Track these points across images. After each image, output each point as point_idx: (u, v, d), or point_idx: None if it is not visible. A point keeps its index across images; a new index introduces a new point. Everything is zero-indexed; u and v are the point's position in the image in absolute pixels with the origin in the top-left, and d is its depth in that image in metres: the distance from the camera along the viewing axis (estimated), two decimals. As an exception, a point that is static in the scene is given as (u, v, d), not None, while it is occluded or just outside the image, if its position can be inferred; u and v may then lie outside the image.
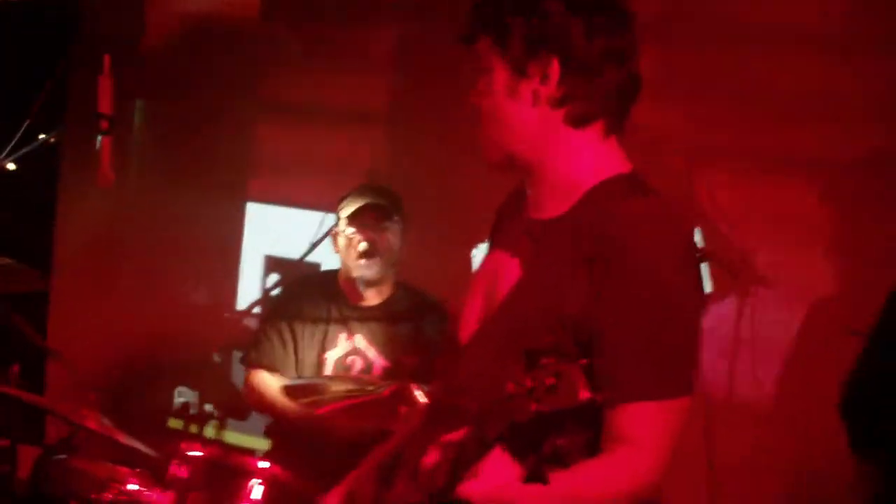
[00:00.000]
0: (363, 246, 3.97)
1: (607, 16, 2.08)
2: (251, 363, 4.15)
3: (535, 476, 1.69)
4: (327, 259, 4.43)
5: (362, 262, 3.99)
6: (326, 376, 4.01)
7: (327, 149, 5.02)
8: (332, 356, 4.06)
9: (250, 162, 5.20)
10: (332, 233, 4.06)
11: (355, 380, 3.89)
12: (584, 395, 1.65)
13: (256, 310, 4.38)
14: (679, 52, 4.18)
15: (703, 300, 2.11)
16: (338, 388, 3.62)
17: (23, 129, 3.80)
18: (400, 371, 3.82)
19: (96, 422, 3.60)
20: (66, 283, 5.34)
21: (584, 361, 1.67)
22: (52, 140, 4.27)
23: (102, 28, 5.24)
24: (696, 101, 4.24)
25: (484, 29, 2.12)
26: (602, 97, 2.09)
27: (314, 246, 4.16)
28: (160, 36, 5.30)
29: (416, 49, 4.85)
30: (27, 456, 4.10)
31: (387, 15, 4.92)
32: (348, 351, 4.06)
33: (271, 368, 4.08)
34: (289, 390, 3.80)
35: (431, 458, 1.90)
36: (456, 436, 1.86)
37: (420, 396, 3.20)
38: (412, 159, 4.74)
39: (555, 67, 2.06)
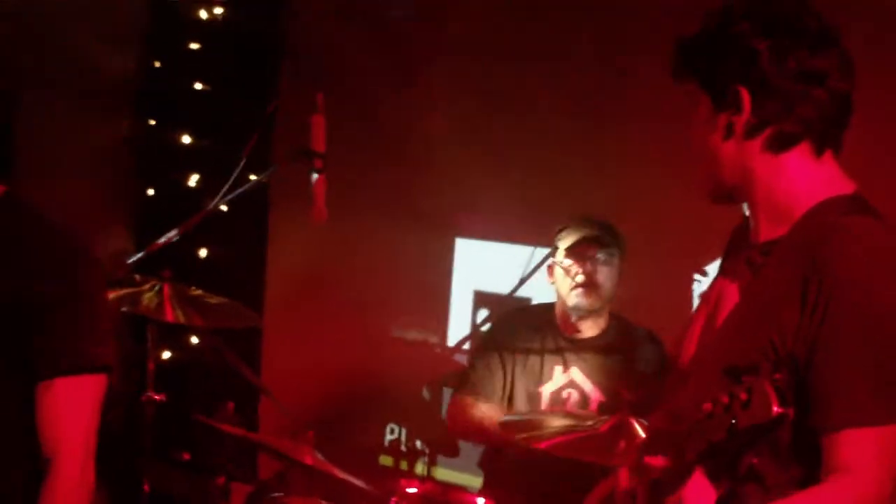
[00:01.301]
0: (580, 278, 3.99)
1: (797, 38, 2.07)
2: (459, 390, 4.19)
3: (729, 499, 1.70)
4: (537, 294, 4.44)
5: (579, 292, 3.99)
6: (543, 411, 4.01)
7: (535, 182, 5.03)
8: (547, 389, 4.07)
9: (458, 197, 5.25)
10: (548, 263, 4.08)
11: (572, 414, 3.88)
12: (777, 409, 1.67)
13: (466, 345, 4.41)
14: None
15: None
16: (556, 423, 3.61)
17: (236, 172, 3.93)
18: (618, 404, 3.79)
19: (312, 458, 3.67)
20: (277, 320, 5.48)
21: (778, 376, 1.68)
22: (264, 180, 4.42)
23: (310, 67, 5.40)
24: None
25: (685, 65, 2.17)
26: (801, 119, 2.07)
27: (524, 280, 4.18)
28: (367, 72, 5.41)
29: (622, 83, 4.83)
30: (241, 493, 4.23)
31: (590, 52, 4.92)
32: (564, 384, 4.06)
33: (480, 396, 4.10)
34: (506, 426, 3.82)
35: (629, 481, 1.92)
36: (657, 460, 1.87)
37: (639, 430, 3.16)
38: (620, 191, 4.71)
39: (745, 96, 2.07)
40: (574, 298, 4.01)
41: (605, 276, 4.01)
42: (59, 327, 2.36)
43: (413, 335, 5.33)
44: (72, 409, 2.40)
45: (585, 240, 4.00)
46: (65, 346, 2.37)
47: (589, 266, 3.99)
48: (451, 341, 5.26)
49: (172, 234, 3.85)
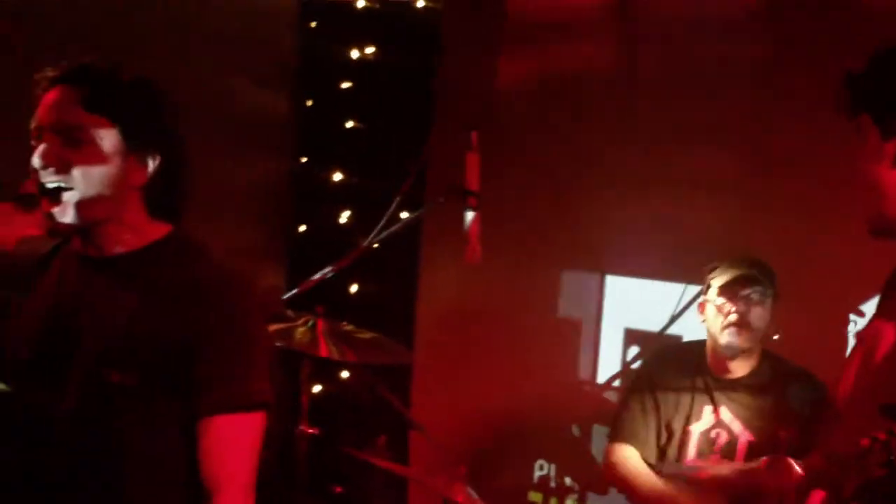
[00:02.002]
0: (733, 317, 3.97)
1: None
2: (614, 437, 4.18)
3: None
4: (689, 331, 4.44)
5: (731, 331, 3.97)
6: (701, 464, 4.00)
7: (684, 219, 5.03)
8: (696, 429, 4.04)
9: (609, 234, 5.26)
10: (699, 301, 4.09)
11: (726, 460, 3.89)
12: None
13: (616, 383, 4.42)
14: None
15: None
16: (712, 471, 3.63)
17: (390, 211, 4.01)
18: (772, 445, 3.78)
19: (463, 494, 3.73)
20: (427, 356, 5.53)
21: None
22: (417, 219, 4.51)
23: (463, 105, 5.48)
24: None
25: (855, 98, 2.19)
26: None
27: (675, 318, 4.19)
28: (519, 109, 5.47)
29: (767, 117, 4.81)
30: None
31: (735, 86, 4.91)
32: (713, 424, 4.03)
33: (635, 442, 4.10)
34: (664, 477, 3.84)
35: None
36: (815, 498, 1.87)
37: (797, 469, 3.14)
38: (774, 229, 4.67)
39: None
40: (726, 337, 3.99)
41: (757, 315, 3.99)
42: (221, 364, 2.41)
43: (562, 372, 5.33)
44: (233, 446, 2.43)
45: (739, 278, 3.98)
46: (226, 384, 2.41)
47: (742, 305, 3.97)
48: (601, 378, 5.26)
49: (327, 270, 3.94)
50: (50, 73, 2.49)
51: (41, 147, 2.43)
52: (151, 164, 2.48)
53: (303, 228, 6.20)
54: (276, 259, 6.06)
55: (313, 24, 6.23)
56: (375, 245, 4.35)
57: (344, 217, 5.97)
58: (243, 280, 2.53)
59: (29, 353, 2.50)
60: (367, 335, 4.27)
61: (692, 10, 5.01)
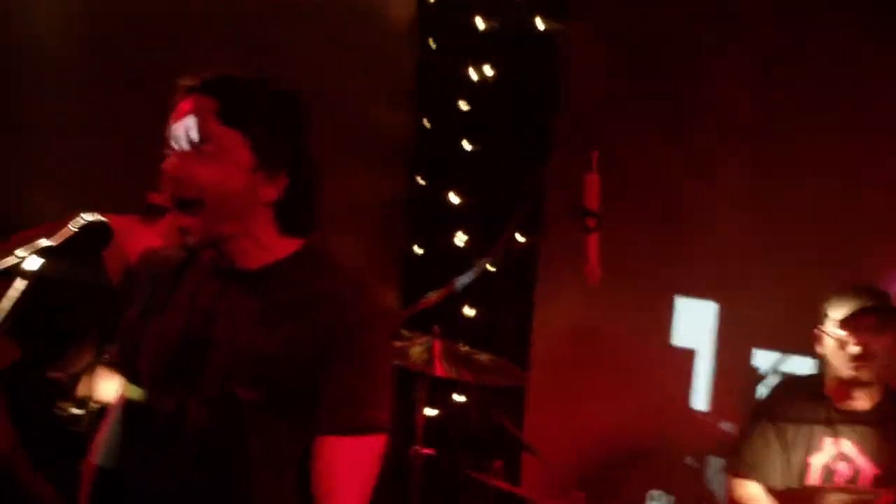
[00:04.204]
0: (856, 349, 3.97)
1: None
2: (735, 470, 4.19)
3: None
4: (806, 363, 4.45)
5: (854, 365, 3.98)
6: (818, 486, 4.01)
7: (803, 247, 5.03)
8: (817, 461, 4.05)
9: (727, 262, 5.25)
10: (817, 331, 4.09)
11: (848, 489, 3.88)
12: None
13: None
14: None
15: None
16: (832, 497, 3.63)
17: (507, 233, 4.04)
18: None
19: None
20: (542, 379, 5.54)
21: None
22: (534, 240, 4.56)
23: (582, 125, 5.51)
24: None
25: None
26: None
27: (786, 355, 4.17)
28: (639, 129, 5.51)
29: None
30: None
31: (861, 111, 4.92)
32: (834, 456, 4.03)
33: (758, 476, 4.10)
34: (780, 496, 3.84)
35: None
36: None
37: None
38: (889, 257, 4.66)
39: None
40: (849, 371, 3.99)
41: (881, 347, 3.98)
42: (347, 384, 2.40)
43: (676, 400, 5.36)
44: (349, 468, 2.42)
45: (862, 311, 3.98)
46: (351, 406, 2.41)
47: (865, 337, 3.97)
48: (716, 409, 5.26)
49: (445, 289, 3.99)
50: (188, 81, 2.48)
51: (172, 156, 2.44)
52: (283, 181, 2.47)
53: (418, 250, 6.29)
54: (390, 280, 6.11)
55: (433, 44, 6.33)
56: (491, 267, 4.39)
57: (460, 239, 6.05)
58: (376, 297, 2.51)
59: (162, 364, 2.53)
60: (483, 356, 4.34)
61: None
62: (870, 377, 3.99)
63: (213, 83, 2.46)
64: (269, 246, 2.51)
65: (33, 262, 2.27)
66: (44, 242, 2.31)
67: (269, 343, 2.42)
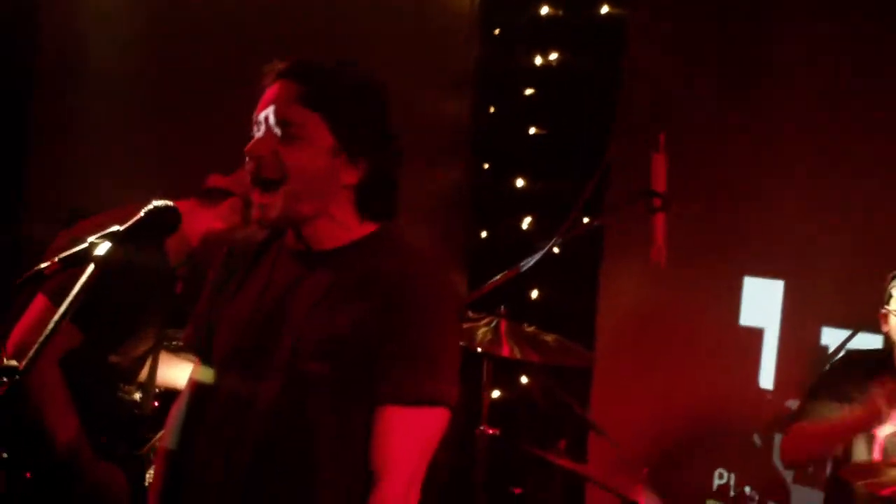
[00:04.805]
0: None
1: None
2: (795, 420, 4.20)
3: None
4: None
5: None
6: (885, 461, 4.01)
7: (865, 224, 5.02)
8: (882, 432, 4.03)
9: (793, 242, 5.25)
10: (882, 312, 4.10)
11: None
12: None
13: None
14: None
15: None
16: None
17: (573, 216, 4.06)
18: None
19: (644, 496, 3.81)
20: (607, 360, 5.58)
21: None
22: (597, 224, 4.56)
23: (646, 108, 5.54)
24: None
25: None
26: None
27: (856, 331, 4.16)
28: (704, 110, 5.51)
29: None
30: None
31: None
32: (900, 428, 4.05)
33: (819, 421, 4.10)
34: (846, 470, 3.86)
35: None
36: None
37: None
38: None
39: None
40: None
41: None
42: (412, 355, 2.45)
43: (742, 379, 5.34)
44: (405, 438, 2.46)
45: None
46: (412, 376, 2.45)
47: None
48: (783, 387, 5.27)
49: (511, 271, 4.04)
50: (276, 66, 2.56)
51: (256, 138, 2.53)
52: (363, 165, 2.53)
53: (484, 234, 6.35)
54: (457, 265, 6.19)
55: (497, 31, 6.39)
56: (557, 249, 4.42)
57: (525, 223, 6.10)
58: (444, 276, 2.58)
59: (236, 342, 2.60)
60: (549, 337, 4.38)
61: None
62: None
63: (297, 69, 2.54)
64: (347, 227, 2.57)
65: (104, 248, 2.32)
66: (114, 228, 2.36)
67: (339, 320, 2.48)
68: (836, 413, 4.08)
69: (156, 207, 2.42)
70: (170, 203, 2.43)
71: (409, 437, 2.47)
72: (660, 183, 3.75)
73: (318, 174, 2.51)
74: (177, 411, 2.85)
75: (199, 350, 2.79)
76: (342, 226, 2.57)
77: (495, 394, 5.70)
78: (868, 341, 4.56)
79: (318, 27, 5.54)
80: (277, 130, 2.51)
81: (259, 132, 2.54)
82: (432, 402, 2.48)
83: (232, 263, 2.75)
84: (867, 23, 5.00)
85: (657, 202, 3.75)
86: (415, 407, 2.46)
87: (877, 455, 4.04)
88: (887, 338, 4.14)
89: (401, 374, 2.45)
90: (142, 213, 2.40)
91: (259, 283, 2.65)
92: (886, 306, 4.08)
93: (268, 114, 2.53)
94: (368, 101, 2.57)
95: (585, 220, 4.48)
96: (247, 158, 2.54)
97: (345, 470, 2.49)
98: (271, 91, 2.55)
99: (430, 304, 2.50)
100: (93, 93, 5.46)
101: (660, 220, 3.74)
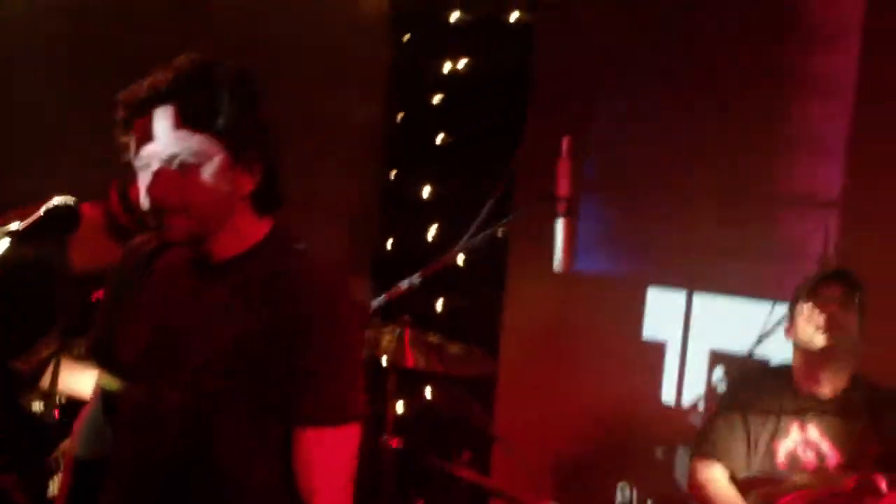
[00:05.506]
0: (822, 317, 4.02)
1: None
2: (699, 453, 4.22)
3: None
4: (776, 354, 4.48)
5: (823, 337, 4.02)
6: (781, 469, 4.05)
7: (775, 234, 5.07)
8: (783, 446, 4.08)
9: (696, 249, 5.28)
10: (787, 326, 4.15)
11: (813, 472, 3.93)
12: None
13: (700, 406, 4.45)
14: None
15: None
16: (796, 479, 3.67)
17: (477, 222, 4.04)
18: (860, 463, 3.82)
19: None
20: (512, 369, 5.57)
21: None
22: (502, 229, 4.56)
23: (555, 114, 5.53)
24: None
25: None
26: None
27: (762, 338, 4.22)
28: (603, 119, 5.54)
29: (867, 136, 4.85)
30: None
31: (832, 97, 4.95)
32: (800, 442, 4.07)
33: (723, 458, 4.13)
34: (743, 482, 3.88)
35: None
36: None
37: (884, 487, 3.19)
38: (866, 243, 4.70)
39: None
40: (818, 340, 4.02)
41: (846, 320, 4.02)
42: (319, 375, 2.40)
43: (646, 393, 5.37)
44: (329, 459, 2.42)
45: (825, 278, 4.05)
46: (324, 396, 2.40)
47: (831, 307, 4.01)
48: (685, 401, 5.30)
49: (414, 279, 4.00)
50: (137, 95, 2.40)
51: (151, 181, 2.39)
52: (257, 168, 2.46)
53: (390, 242, 6.31)
54: (361, 273, 6.12)
55: (405, 38, 6.36)
56: (462, 256, 4.40)
57: (431, 232, 6.08)
58: (346, 286, 2.49)
59: (136, 355, 2.53)
60: (453, 346, 4.37)
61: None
62: (841, 344, 4.01)
63: (168, 89, 2.38)
64: (246, 234, 2.51)
65: (1, 246, 2.25)
66: (13, 226, 2.29)
67: (240, 334, 2.42)
68: (738, 426, 4.11)
69: (55, 206, 2.32)
70: (70, 202, 2.34)
71: (335, 456, 2.44)
72: (563, 187, 3.73)
73: (220, 196, 2.42)
74: (85, 419, 2.79)
75: (101, 361, 2.72)
76: (242, 233, 2.50)
77: (401, 404, 5.67)
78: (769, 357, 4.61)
79: (225, 30, 5.46)
80: (170, 166, 2.38)
81: (147, 172, 2.40)
82: (350, 418, 2.44)
83: (126, 273, 2.66)
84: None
85: (561, 207, 3.73)
86: (337, 426, 2.42)
87: (778, 467, 4.08)
88: (792, 349, 4.19)
89: (318, 394, 2.40)
90: (41, 212, 2.32)
91: (157, 294, 2.57)
92: (793, 317, 4.13)
93: (153, 151, 2.39)
94: (246, 99, 2.44)
95: (490, 227, 4.47)
96: (141, 195, 2.42)
97: (263, 487, 2.45)
98: (146, 123, 2.39)
99: (335, 317, 2.43)
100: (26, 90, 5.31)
101: (563, 226, 3.72)
